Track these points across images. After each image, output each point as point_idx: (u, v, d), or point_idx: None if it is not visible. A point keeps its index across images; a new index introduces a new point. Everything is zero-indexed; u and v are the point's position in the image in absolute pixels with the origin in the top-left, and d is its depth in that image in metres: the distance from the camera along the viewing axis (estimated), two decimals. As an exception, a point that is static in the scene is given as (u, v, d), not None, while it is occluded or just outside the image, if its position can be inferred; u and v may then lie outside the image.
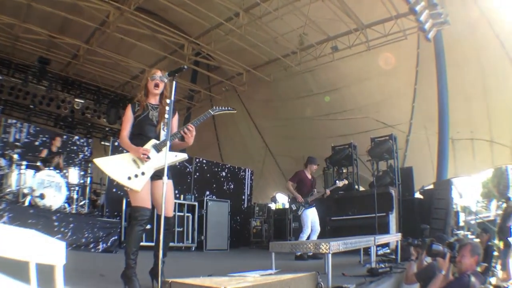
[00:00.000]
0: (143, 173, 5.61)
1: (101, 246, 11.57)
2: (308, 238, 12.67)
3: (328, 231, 15.31)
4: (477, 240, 14.92)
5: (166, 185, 5.15)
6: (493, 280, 13.01)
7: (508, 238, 15.09)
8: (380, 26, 18.40)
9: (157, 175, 5.78)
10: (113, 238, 11.97)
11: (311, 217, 12.83)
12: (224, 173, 20.54)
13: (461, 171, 22.21)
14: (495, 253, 14.61)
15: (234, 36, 20.07)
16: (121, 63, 22.36)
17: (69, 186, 12.97)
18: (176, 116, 6.30)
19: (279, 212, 23.52)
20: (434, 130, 18.77)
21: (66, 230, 10.83)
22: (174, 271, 7.06)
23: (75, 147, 17.27)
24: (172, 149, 5.66)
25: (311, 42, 20.48)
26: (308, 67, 21.88)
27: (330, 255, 6.43)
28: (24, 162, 12.19)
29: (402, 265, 9.45)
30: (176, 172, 16.93)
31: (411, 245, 8.50)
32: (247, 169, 22.16)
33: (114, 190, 14.84)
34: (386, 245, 12.92)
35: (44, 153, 14.15)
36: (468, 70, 18.90)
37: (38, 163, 13.10)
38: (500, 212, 22.45)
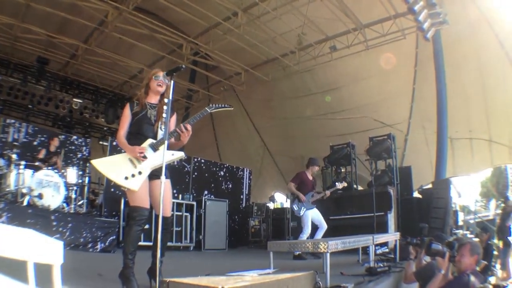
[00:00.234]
0: (140, 173, 5.60)
1: (99, 246, 11.58)
2: (312, 236, 12.74)
3: (327, 230, 15.32)
4: (476, 239, 14.96)
5: (164, 185, 5.17)
6: (492, 280, 13.01)
7: (508, 238, 15.07)
8: (378, 25, 18.40)
9: (155, 175, 5.76)
10: (111, 238, 11.98)
11: (312, 218, 12.85)
12: (222, 173, 20.56)
13: (460, 171, 22.20)
14: (495, 253, 14.64)
15: (232, 36, 20.06)
16: (120, 63, 22.36)
17: (67, 186, 13.01)
18: (175, 116, 6.30)
19: (278, 212, 23.56)
20: (432, 130, 18.77)
21: (65, 230, 10.84)
22: (172, 270, 7.06)
23: (73, 147, 17.25)
24: (169, 147, 5.63)
25: (310, 42, 20.50)
26: (307, 66, 21.88)
27: (328, 254, 6.43)
28: (23, 162, 12.22)
29: (401, 264, 9.44)
30: (175, 172, 16.99)
31: (410, 244, 8.49)
32: (245, 169, 22.20)
33: (112, 190, 14.86)
34: (385, 244, 12.94)
35: (42, 153, 14.15)
36: (467, 70, 18.90)
37: (37, 163, 13.10)
38: (499, 211, 22.44)
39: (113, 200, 14.73)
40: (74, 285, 5.16)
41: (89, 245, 11.35)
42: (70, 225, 11.02)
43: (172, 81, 5.58)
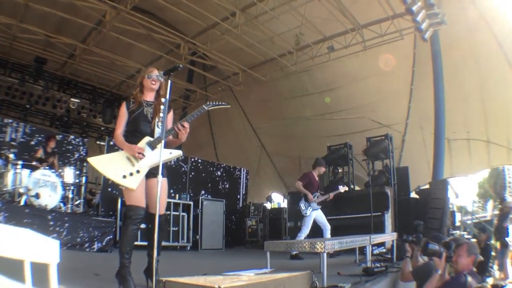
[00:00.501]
0: (138, 171, 5.61)
1: (96, 246, 11.56)
2: (310, 236, 12.77)
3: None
4: (474, 240, 14.97)
5: (161, 183, 5.16)
6: (490, 281, 13.02)
7: (505, 238, 15.09)
8: (376, 26, 18.42)
9: (152, 173, 5.77)
10: (108, 237, 11.96)
11: (317, 219, 12.90)
12: (219, 173, 20.55)
13: (457, 171, 22.23)
14: (492, 253, 14.66)
15: (230, 36, 20.05)
16: (117, 63, 22.33)
17: (64, 186, 12.97)
18: (171, 113, 6.31)
19: (275, 212, 23.55)
20: (430, 130, 18.78)
21: (62, 230, 10.82)
22: (169, 270, 7.05)
23: (70, 147, 17.23)
24: (166, 146, 5.67)
25: (307, 42, 20.51)
26: (304, 67, 21.89)
27: (325, 254, 6.44)
28: (20, 162, 12.19)
29: (398, 264, 9.46)
30: (171, 172, 16.97)
31: (405, 241, 8.51)
32: (242, 169, 22.19)
33: (109, 189, 14.86)
34: (382, 244, 12.97)
35: (40, 153, 14.16)
36: (466, 71, 18.91)
37: (34, 163, 13.09)
38: (496, 212, 22.46)
39: (110, 199, 14.72)
40: (71, 285, 5.17)
41: (86, 245, 11.33)
42: (67, 224, 11.00)
43: (169, 81, 5.56)
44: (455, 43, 18.30)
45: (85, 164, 15.16)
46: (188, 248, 16.30)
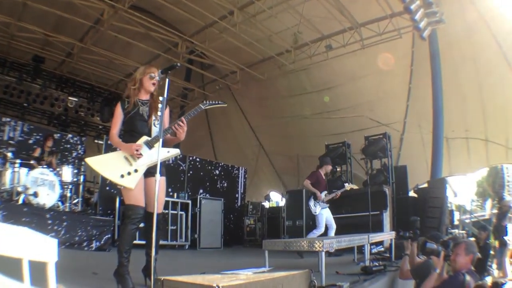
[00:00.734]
0: (136, 170, 5.59)
1: (94, 245, 11.56)
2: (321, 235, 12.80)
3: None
4: (472, 238, 14.98)
5: (159, 182, 5.15)
6: (489, 279, 13.04)
7: (504, 237, 15.10)
8: (374, 24, 18.41)
9: (150, 172, 5.76)
10: (106, 236, 11.96)
11: (326, 216, 12.90)
12: (217, 171, 20.57)
13: (456, 170, 22.24)
14: (491, 252, 14.67)
15: (228, 35, 20.06)
16: (115, 62, 22.31)
17: (62, 184, 12.98)
18: (167, 110, 6.27)
19: (273, 211, 23.59)
20: (428, 129, 18.77)
21: (60, 228, 10.82)
22: (168, 269, 7.07)
23: (68, 145, 17.21)
24: (164, 144, 5.65)
25: (306, 41, 20.50)
26: (302, 65, 21.90)
27: (323, 253, 6.43)
28: (18, 161, 12.19)
29: (396, 263, 9.47)
30: (170, 170, 16.95)
31: (403, 238, 8.54)
32: (240, 168, 22.22)
33: (107, 188, 14.81)
34: (380, 243, 12.96)
35: (37, 152, 14.15)
36: (464, 70, 18.91)
37: (32, 162, 13.08)
38: (495, 211, 22.47)
39: (108, 198, 14.71)
40: (69, 284, 5.15)
41: (84, 244, 11.33)
42: (65, 223, 11.00)
43: (167, 79, 5.54)
44: (454, 42, 18.31)
45: (83, 163, 15.16)
46: (187, 247, 16.30)
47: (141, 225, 5.87)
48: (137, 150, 5.61)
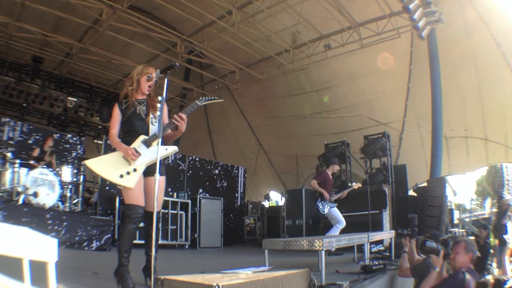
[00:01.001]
0: (135, 170, 5.59)
1: (94, 244, 11.55)
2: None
3: (322, 228, 15.33)
4: (472, 237, 15.00)
5: (158, 182, 5.17)
6: (490, 277, 13.03)
7: (503, 236, 15.11)
8: (373, 24, 18.45)
9: (150, 171, 5.77)
10: (107, 236, 11.95)
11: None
12: (217, 171, 20.54)
13: (455, 169, 22.26)
14: (491, 251, 14.69)
15: (227, 34, 20.08)
16: (114, 62, 22.32)
17: (62, 184, 12.97)
18: (165, 107, 6.20)
19: (273, 210, 23.62)
20: (427, 128, 18.79)
21: (60, 228, 10.82)
22: (168, 269, 7.08)
23: (68, 146, 17.19)
24: (164, 141, 5.71)
25: (304, 40, 20.55)
26: (301, 65, 21.94)
27: (323, 252, 6.44)
28: (18, 161, 12.18)
29: (396, 262, 9.45)
30: (169, 170, 16.94)
31: (401, 235, 8.53)
32: (240, 167, 22.19)
33: (107, 188, 14.80)
34: (380, 242, 12.99)
35: (36, 152, 14.16)
36: (463, 69, 18.95)
37: (31, 162, 13.09)
38: (494, 210, 22.49)
39: (108, 198, 14.68)
40: (70, 284, 5.16)
41: (85, 244, 11.33)
42: (65, 223, 11.00)
43: (166, 79, 5.54)
44: (452, 41, 18.33)
45: (82, 163, 15.16)
46: (187, 247, 16.28)
47: (141, 224, 5.87)
48: (134, 155, 5.61)
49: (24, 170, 12.01)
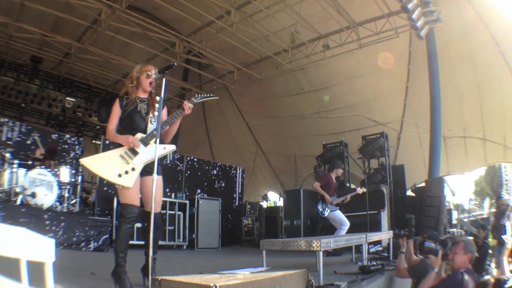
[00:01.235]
0: (133, 169, 5.58)
1: (92, 245, 11.55)
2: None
3: (320, 228, 15.33)
4: (470, 237, 14.99)
5: (156, 181, 5.17)
6: (490, 278, 13.03)
7: (502, 236, 15.11)
8: (372, 24, 18.44)
9: (147, 171, 5.77)
10: (104, 236, 11.96)
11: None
12: (215, 171, 20.54)
13: (453, 169, 22.27)
14: (490, 251, 14.69)
15: (225, 34, 20.07)
16: (113, 62, 22.34)
17: (60, 185, 12.94)
18: (165, 109, 6.30)
19: (271, 210, 23.62)
20: (426, 128, 18.78)
21: (58, 229, 10.82)
22: (166, 269, 7.07)
23: (66, 146, 17.17)
24: (161, 139, 5.68)
25: (303, 40, 20.54)
26: (300, 65, 21.93)
27: (321, 253, 6.43)
28: (16, 161, 12.17)
29: (394, 262, 9.45)
30: (167, 170, 17.01)
31: (398, 236, 8.53)
32: (238, 167, 22.19)
33: (105, 188, 14.82)
34: (378, 242, 12.99)
35: (38, 152, 14.17)
36: (462, 69, 18.97)
37: (30, 162, 13.07)
38: (493, 210, 22.50)
39: (106, 198, 14.70)
40: (68, 284, 5.16)
41: (82, 244, 11.33)
42: (63, 224, 11.00)
43: (164, 79, 5.55)
44: (451, 41, 18.36)
45: (80, 163, 15.17)
46: (184, 247, 16.30)
47: (139, 225, 5.86)
48: (133, 143, 5.61)
49: (22, 171, 11.99)
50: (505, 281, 9.26)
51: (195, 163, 19.55)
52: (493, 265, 14.81)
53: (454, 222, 21.85)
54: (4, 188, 11.60)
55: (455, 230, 20.00)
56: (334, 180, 13.38)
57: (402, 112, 21.87)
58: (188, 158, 19.28)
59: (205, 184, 19.72)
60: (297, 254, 12.41)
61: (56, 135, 17.24)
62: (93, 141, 25.81)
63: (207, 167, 20.28)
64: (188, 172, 18.99)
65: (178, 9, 18.80)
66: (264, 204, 26.05)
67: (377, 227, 13.97)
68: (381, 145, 17.18)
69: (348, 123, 22.46)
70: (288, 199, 18.54)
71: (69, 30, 20.16)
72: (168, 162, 17.83)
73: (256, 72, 23.27)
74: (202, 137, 31.62)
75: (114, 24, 18.88)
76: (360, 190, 13.00)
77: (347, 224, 12.53)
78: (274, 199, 29.66)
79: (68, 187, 13.59)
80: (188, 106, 5.91)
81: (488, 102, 19.33)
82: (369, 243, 10.97)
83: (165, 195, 15.60)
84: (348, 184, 17.85)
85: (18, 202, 11.33)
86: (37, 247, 2.58)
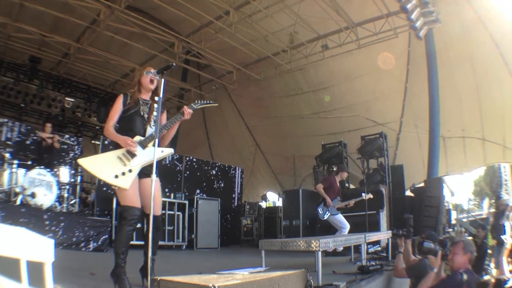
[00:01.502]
0: (130, 171, 5.58)
1: (91, 245, 11.56)
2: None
3: (319, 229, 15.34)
4: (469, 238, 15.01)
5: (155, 183, 5.16)
6: (489, 278, 13.04)
7: (501, 236, 15.11)
8: (370, 24, 18.45)
9: (145, 173, 5.81)
10: (104, 237, 11.96)
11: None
12: (214, 172, 20.56)
13: (452, 169, 22.25)
14: (489, 251, 14.70)
15: (224, 35, 20.06)
16: (112, 62, 22.33)
17: (59, 185, 12.95)
18: (165, 114, 6.35)
19: (270, 211, 23.70)
20: (425, 129, 18.82)
21: (57, 229, 10.83)
22: (165, 269, 7.08)
23: (65, 146, 17.17)
24: (159, 142, 5.70)
25: (302, 41, 20.54)
26: (299, 65, 21.94)
27: (320, 253, 6.44)
28: (16, 161, 12.19)
29: (393, 262, 9.45)
30: (167, 171, 17.08)
31: (396, 236, 8.54)
32: (237, 168, 22.21)
33: (104, 188, 14.81)
34: (377, 242, 13.00)
35: (48, 128, 14.38)
36: (461, 69, 18.97)
37: (30, 162, 13.07)
38: (492, 210, 22.51)
39: (106, 199, 14.71)
40: (67, 284, 5.18)
41: (82, 244, 11.34)
42: (62, 224, 11.01)
43: (162, 79, 5.58)
44: (450, 42, 18.36)
45: (78, 164, 15.18)
46: (184, 247, 16.31)
47: (138, 225, 5.87)
48: (132, 145, 5.62)
49: (22, 171, 12.01)
50: (505, 281, 9.27)
51: (194, 163, 19.57)
52: (492, 265, 14.83)
53: (453, 222, 21.87)
54: (4, 188, 11.62)
55: (456, 228, 20.03)
56: (338, 184, 13.37)
57: (401, 113, 21.88)
58: (187, 159, 19.31)
59: (204, 184, 19.75)
60: (296, 254, 12.42)
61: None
62: (93, 142, 25.79)
63: (206, 167, 20.29)
64: (187, 172, 19.01)
65: (177, 9, 18.78)
66: (263, 204, 26.11)
67: (376, 227, 13.98)
68: (380, 145, 17.20)
69: (347, 123, 22.47)
70: (287, 199, 18.55)
71: (68, 30, 20.15)
72: (168, 162, 17.86)
73: (255, 73, 23.28)
74: (201, 137, 31.63)
75: (113, 25, 18.87)
76: (366, 197, 12.91)
77: (347, 227, 12.53)
78: (273, 199, 29.76)
79: (67, 187, 13.61)
80: (187, 111, 5.96)
81: (487, 103, 19.33)
82: (368, 243, 10.99)
83: (164, 195, 15.65)
84: (346, 185, 17.87)
85: (18, 202, 11.35)
86: (36, 247, 2.59)
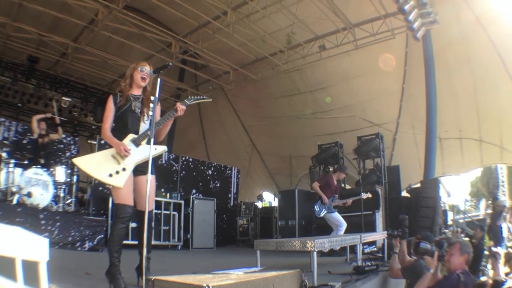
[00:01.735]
0: (124, 169, 5.61)
1: (87, 245, 11.56)
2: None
3: (315, 229, 15.35)
4: (466, 238, 15.02)
5: (150, 181, 5.21)
6: (487, 279, 13.06)
7: (493, 248, 15.12)
8: (368, 25, 18.48)
9: (140, 170, 5.82)
10: (100, 236, 11.96)
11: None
12: (210, 172, 20.57)
13: (449, 170, 22.29)
14: (486, 252, 14.70)
15: (221, 35, 20.09)
16: (109, 62, 22.31)
17: (56, 185, 12.95)
18: (159, 107, 6.28)
19: (266, 211, 23.71)
20: (421, 129, 18.86)
21: (53, 229, 10.83)
22: (160, 269, 7.09)
23: (62, 146, 17.16)
24: (155, 139, 5.69)
25: (299, 41, 20.55)
26: (296, 66, 21.96)
27: (315, 253, 6.45)
28: (12, 161, 12.19)
29: (389, 263, 9.47)
30: (162, 170, 17.06)
31: (391, 236, 8.55)
32: (233, 168, 22.23)
33: (100, 188, 14.76)
34: (373, 243, 13.01)
35: (53, 109, 14.48)
36: (459, 71, 19.01)
37: (26, 162, 13.06)
38: (489, 211, 22.53)
39: (101, 198, 14.67)
40: (63, 284, 5.17)
41: (78, 244, 11.33)
42: (58, 223, 11.00)
43: (159, 79, 5.61)
44: (448, 43, 18.40)
45: (74, 163, 15.15)
46: (179, 247, 16.32)
47: (134, 225, 5.88)
48: (126, 151, 5.63)
49: (18, 170, 12.03)
50: (502, 283, 9.30)
51: (190, 163, 19.58)
52: (489, 266, 14.84)
53: (450, 223, 21.89)
54: (1, 188, 11.64)
55: (452, 229, 20.05)
56: (336, 182, 13.35)
57: (397, 113, 21.92)
58: (184, 158, 19.31)
59: (200, 184, 19.76)
60: (291, 254, 12.44)
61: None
62: (89, 141, 25.68)
63: (202, 167, 20.31)
64: (183, 172, 19.02)
65: (175, 9, 18.80)
66: (259, 204, 26.06)
67: (371, 228, 13.99)
68: (376, 146, 17.23)
69: (343, 124, 22.51)
70: (283, 199, 18.56)
71: (66, 30, 20.15)
72: (164, 162, 17.88)
73: (252, 73, 23.30)
74: (198, 137, 31.62)
75: (111, 24, 18.88)
76: (364, 196, 12.90)
77: (344, 225, 12.53)
78: (269, 199, 29.80)
79: (63, 186, 13.62)
80: (181, 107, 5.95)
81: (485, 103, 19.35)
82: (364, 244, 10.99)
83: (160, 195, 15.67)
84: (342, 185, 17.88)
85: (15, 201, 11.36)
86: (31, 246, 2.59)
